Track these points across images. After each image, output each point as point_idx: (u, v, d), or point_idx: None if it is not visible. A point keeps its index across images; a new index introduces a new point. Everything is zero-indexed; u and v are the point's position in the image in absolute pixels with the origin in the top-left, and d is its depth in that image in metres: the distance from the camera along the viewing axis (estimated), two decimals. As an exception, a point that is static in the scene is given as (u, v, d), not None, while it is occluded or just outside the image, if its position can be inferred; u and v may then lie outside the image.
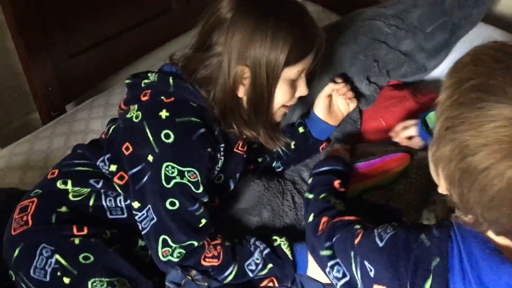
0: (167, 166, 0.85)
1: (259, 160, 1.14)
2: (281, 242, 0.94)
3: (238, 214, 1.05)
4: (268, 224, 1.03)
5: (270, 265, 0.92)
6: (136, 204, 0.89)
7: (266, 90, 0.90)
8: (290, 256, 0.92)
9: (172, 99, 0.89)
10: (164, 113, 0.86)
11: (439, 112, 0.61)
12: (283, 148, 1.12)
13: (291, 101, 0.97)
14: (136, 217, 0.89)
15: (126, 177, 0.90)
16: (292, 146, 1.11)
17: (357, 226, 0.78)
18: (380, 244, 0.70)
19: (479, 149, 0.55)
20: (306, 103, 1.17)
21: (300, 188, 1.10)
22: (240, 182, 1.06)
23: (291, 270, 0.93)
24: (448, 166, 0.59)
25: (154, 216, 0.87)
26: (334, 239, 0.80)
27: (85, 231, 0.88)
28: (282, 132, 1.13)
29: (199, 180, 0.88)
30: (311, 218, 0.88)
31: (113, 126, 0.96)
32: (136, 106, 0.90)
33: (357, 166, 0.99)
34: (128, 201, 0.93)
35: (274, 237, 0.96)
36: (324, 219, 0.85)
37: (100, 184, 0.93)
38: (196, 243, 0.88)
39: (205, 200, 0.90)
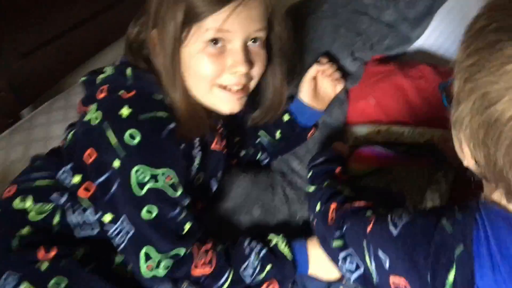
0: (137, 171, 0.75)
1: (242, 153, 1.04)
2: (278, 241, 0.86)
3: (226, 214, 0.96)
4: (260, 223, 0.95)
5: (268, 267, 0.84)
6: (107, 217, 0.78)
7: (169, 56, 0.78)
8: (289, 255, 0.85)
9: (133, 92, 0.79)
10: (125, 111, 0.76)
11: (456, 70, 0.56)
12: (268, 138, 1.03)
13: (226, 78, 0.80)
14: (109, 232, 0.79)
15: (93, 188, 0.80)
16: (278, 136, 1.02)
17: (369, 213, 0.72)
18: (395, 232, 0.64)
19: (501, 95, 0.48)
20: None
21: (291, 179, 1.01)
22: (224, 179, 0.97)
23: (291, 270, 0.85)
24: (470, 125, 0.53)
25: (131, 228, 0.77)
26: (344, 227, 0.74)
27: (54, 253, 0.79)
28: (260, 128, 1.04)
29: (176, 182, 0.78)
30: (318, 207, 0.82)
31: (72, 132, 0.85)
32: (94, 105, 0.80)
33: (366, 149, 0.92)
34: (98, 215, 0.83)
35: (270, 237, 0.88)
36: (333, 205, 0.79)
37: (64, 198, 0.83)
38: (183, 250, 0.79)
39: (186, 202, 0.81)
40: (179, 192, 0.79)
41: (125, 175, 0.75)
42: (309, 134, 1.04)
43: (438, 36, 1.19)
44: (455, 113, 0.55)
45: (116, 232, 0.78)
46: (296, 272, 0.86)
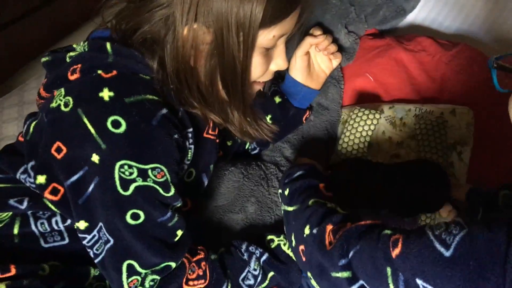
0: (121, 166, 0.61)
1: (229, 143, 0.91)
2: (280, 242, 0.75)
3: (216, 213, 0.82)
4: (256, 220, 0.82)
5: (271, 274, 0.73)
6: (82, 224, 0.64)
7: (238, 60, 0.66)
8: (294, 258, 0.73)
9: (114, 72, 0.63)
10: (106, 93, 0.61)
11: None
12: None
13: (265, 76, 0.74)
14: (85, 242, 0.65)
15: (62, 190, 0.65)
16: (269, 121, 0.90)
17: (388, 231, 0.56)
18: (447, 253, 0.49)
19: None
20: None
21: (286, 169, 0.89)
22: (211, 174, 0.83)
23: (297, 275, 0.74)
24: None
25: (109, 237, 0.63)
26: (351, 253, 0.58)
27: (13, 272, 0.64)
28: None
29: (169, 179, 0.65)
30: (307, 231, 0.65)
31: (34, 123, 0.70)
32: (62, 89, 0.65)
33: None
34: (69, 221, 0.68)
35: (270, 237, 0.76)
36: (329, 227, 0.62)
37: (25, 203, 0.68)
38: (173, 264, 0.66)
39: (178, 204, 0.68)
40: (171, 192, 0.66)
41: (106, 172, 0.61)
42: (304, 117, 0.92)
43: (431, 9, 1.10)
44: None
45: (92, 241, 0.64)
46: (302, 275, 0.74)
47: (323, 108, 0.94)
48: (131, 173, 0.61)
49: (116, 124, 0.60)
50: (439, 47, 0.96)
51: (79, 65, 0.65)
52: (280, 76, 0.91)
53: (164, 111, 0.64)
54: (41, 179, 0.66)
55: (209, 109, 0.71)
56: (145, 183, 0.62)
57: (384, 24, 1.03)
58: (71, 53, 0.67)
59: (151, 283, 0.65)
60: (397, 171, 0.81)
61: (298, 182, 0.72)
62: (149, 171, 0.62)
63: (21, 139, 0.74)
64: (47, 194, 0.66)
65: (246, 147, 0.94)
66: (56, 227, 0.68)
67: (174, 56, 0.66)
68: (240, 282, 0.71)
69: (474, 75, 0.91)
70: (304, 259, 0.64)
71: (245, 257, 0.72)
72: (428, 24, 1.10)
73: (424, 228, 0.53)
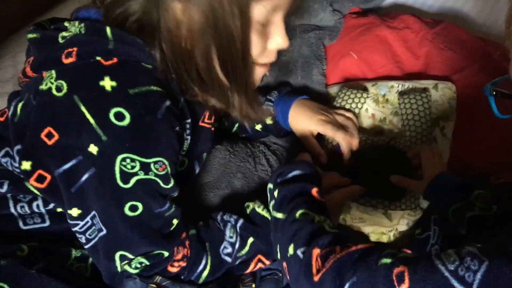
0: (123, 159, 0.59)
1: (215, 125, 0.90)
2: (255, 205, 0.74)
3: (202, 191, 0.82)
4: (242, 195, 0.82)
5: (250, 240, 0.71)
6: (75, 212, 0.62)
7: (237, 36, 0.60)
8: (270, 217, 0.71)
9: (115, 60, 0.60)
10: (108, 83, 0.58)
11: None
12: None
13: (265, 56, 0.67)
14: (77, 228, 0.63)
15: (49, 177, 0.63)
16: (258, 129, 0.90)
17: (387, 260, 0.49)
18: None
19: None
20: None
21: (275, 150, 0.89)
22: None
23: None
24: None
25: (103, 227, 0.62)
26: (346, 287, 0.50)
27: None
28: None
29: (169, 172, 0.64)
30: (291, 250, 0.58)
31: (21, 104, 0.65)
32: (53, 72, 0.61)
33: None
34: (52, 205, 0.67)
35: (246, 203, 0.75)
36: (315, 251, 0.55)
37: (5, 187, 0.66)
38: (166, 253, 0.65)
39: (175, 194, 0.67)
40: (171, 184, 0.65)
41: (105, 164, 0.59)
42: None
43: (414, -13, 1.10)
44: None
45: (85, 227, 0.63)
46: None
47: (309, 91, 0.93)
48: (133, 167, 0.59)
49: (120, 117, 0.58)
50: (422, 24, 0.96)
51: (75, 48, 0.61)
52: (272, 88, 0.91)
53: (168, 103, 0.61)
54: (26, 165, 0.63)
55: (210, 94, 0.68)
56: (147, 177, 0.61)
57: (368, 2, 1.03)
58: (64, 33, 0.63)
59: (138, 265, 0.64)
60: (366, 156, 0.82)
61: (290, 186, 0.66)
62: (152, 165, 0.61)
63: (1, 119, 0.71)
64: (32, 181, 0.63)
65: (233, 130, 0.93)
66: (37, 210, 0.67)
67: (170, 40, 0.62)
68: (220, 252, 0.70)
69: (458, 52, 0.91)
70: (288, 276, 0.59)
71: (221, 226, 0.71)
72: (411, 3, 1.10)
73: (432, 259, 0.46)
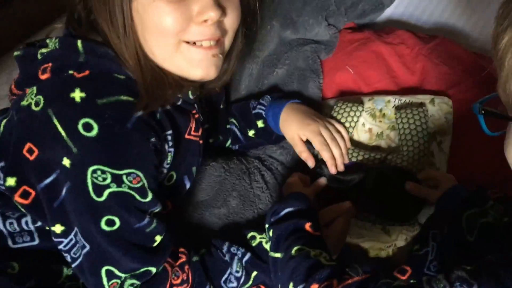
0: (94, 171, 0.58)
1: (210, 141, 0.90)
2: (262, 240, 0.72)
3: (198, 209, 0.81)
4: (239, 215, 0.81)
5: (254, 273, 0.71)
6: (58, 228, 0.61)
7: (116, 10, 0.60)
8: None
9: (87, 72, 0.61)
10: (77, 94, 0.58)
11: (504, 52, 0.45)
12: (240, 132, 0.90)
13: (194, 32, 0.63)
14: (61, 246, 0.62)
15: (33, 193, 0.62)
16: (251, 135, 0.89)
17: None
18: None
19: None
20: (253, 65, 0.95)
21: (270, 164, 0.88)
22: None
23: None
24: None
25: (85, 243, 0.61)
26: None
27: None
28: (235, 110, 0.89)
29: (145, 185, 0.62)
30: None
31: (5, 121, 0.66)
32: (34, 88, 0.62)
33: None
34: (40, 222, 0.66)
35: (251, 233, 0.74)
36: (314, 287, 0.57)
37: None
38: (154, 269, 0.64)
39: (157, 209, 0.65)
40: (148, 198, 0.63)
41: (78, 177, 0.58)
42: None
43: (409, 3, 1.11)
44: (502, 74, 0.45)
45: (69, 245, 0.62)
46: None
47: (303, 100, 0.93)
48: (104, 179, 0.59)
49: (88, 127, 0.58)
50: (417, 40, 0.96)
51: (50, 64, 0.62)
52: (263, 93, 0.91)
53: (140, 113, 0.61)
54: (11, 181, 0.62)
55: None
56: (120, 189, 0.60)
57: (363, 17, 1.03)
58: (43, 50, 0.64)
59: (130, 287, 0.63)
60: (374, 175, 0.82)
61: (284, 225, 0.67)
62: (124, 177, 0.60)
63: None
64: (17, 197, 0.63)
65: (227, 145, 0.93)
66: (26, 227, 0.66)
67: (105, 24, 0.62)
68: (222, 284, 0.69)
69: (453, 66, 0.91)
70: None
71: (227, 258, 0.70)
72: (406, 19, 1.11)
73: (423, 286, 0.49)
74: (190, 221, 0.80)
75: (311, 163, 0.82)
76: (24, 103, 0.61)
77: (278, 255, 0.65)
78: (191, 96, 0.71)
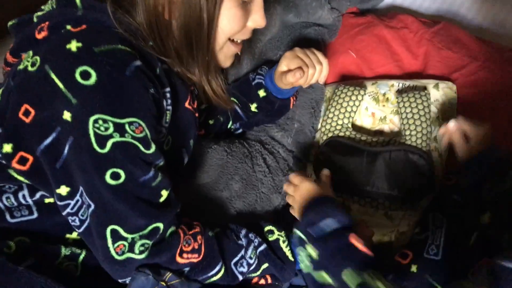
0: (95, 121, 0.56)
1: (211, 122, 0.88)
2: (280, 237, 0.72)
3: (200, 192, 0.79)
4: (241, 199, 0.80)
5: (265, 266, 0.70)
6: (63, 190, 0.59)
7: (204, 8, 0.62)
8: (291, 257, 0.71)
9: (84, 26, 0.59)
10: (74, 45, 0.56)
11: None
12: (241, 109, 0.88)
13: (242, 33, 0.70)
14: (68, 209, 0.60)
15: (31, 159, 0.60)
16: (254, 109, 0.87)
17: None
18: None
19: None
20: (255, 48, 0.94)
21: (271, 148, 0.87)
22: (193, 152, 0.80)
23: (291, 273, 0.72)
24: None
25: (90, 202, 0.59)
26: None
27: None
28: (234, 88, 0.88)
29: (148, 135, 0.60)
30: None
31: (1, 90, 0.64)
32: (30, 52, 0.60)
33: None
34: (38, 195, 0.64)
35: (269, 227, 0.73)
36: None
37: None
38: (161, 225, 0.62)
39: (161, 163, 0.63)
40: (152, 149, 0.61)
41: (79, 129, 0.56)
42: (291, 104, 0.89)
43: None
44: None
45: (76, 207, 0.60)
46: (294, 275, 0.72)
47: (308, 86, 0.92)
48: (106, 128, 0.56)
49: (86, 75, 0.55)
50: (420, 24, 0.95)
51: (47, 23, 0.60)
52: (265, 63, 0.89)
53: (138, 63, 0.59)
54: (7, 147, 0.60)
55: (180, 64, 0.67)
56: (123, 139, 0.57)
57: (365, 2, 1.02)
58: (39, 13, 0.63)
59: (141, 248, 0.61)
60: (380, 155, 0.81)
61: (331, 244, 0.60)
62: (127, 126, 0.58)
63: None
64: (14, 164, 0.61)
65: (229, 126, 0.91)
66: (23, 201, 0.64)
67: (146, 10, 0.62)
68: (232, 266, 0.68)
69: (456, 51, 0.91)
70: None
71: (243, 242, 0.69)
72: (408, 5, 1.10)
73: None
74: (193, 203, 0.78)
75: (291, 77, 0.77)
76: (21, 67, 0.60)
77: (328, 278, 0.58)
78: None
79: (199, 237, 0.66)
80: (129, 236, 0.60)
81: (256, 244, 0.70)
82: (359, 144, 0.83)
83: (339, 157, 0.82)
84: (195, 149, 0.80)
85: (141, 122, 0.59)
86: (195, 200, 0.78)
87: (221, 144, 0.84)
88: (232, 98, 0.89)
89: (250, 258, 0.69)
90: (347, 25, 0.98)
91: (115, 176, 0.58)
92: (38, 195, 0.63)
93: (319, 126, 0.90)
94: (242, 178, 0.81)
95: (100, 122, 0.56)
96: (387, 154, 0.80)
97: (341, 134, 0.86)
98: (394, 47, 0.94)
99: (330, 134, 0.87)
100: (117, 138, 0.57)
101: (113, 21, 0.60)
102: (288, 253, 0.71)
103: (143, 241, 0.61)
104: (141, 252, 0.61)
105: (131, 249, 0.60)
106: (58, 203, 0.61)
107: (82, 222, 0.61)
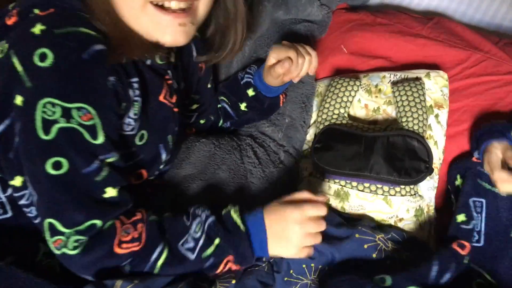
0: (44, 105, 0.54)
1: (202, 122, 0.88)
2: (232, 209, 0.65)
3: (184, 182, 0.77)
4: (229, 186, 0.77)
5: (217, 241, 0.63)
6: (18, 181, 0.58)
7: None
8: (242, 226, 0.64)
9: (51, 10, 0.57)
10: (38, 28, 0.55)
11: None
12: (231, 108, 0.88)
13: None
14: (23, 200, 0.59)
15: None
16: (243, 109, 0.86)
17: None
18: None
19: None
20: (245, 46, 0.94)
21: (262, 142, 0.86)
22: (180, 147, 0.80)
23: (249, 250, 0.64)
24: None
25: (33, 191, 0.56)
26: None
27: None
28: (224, 87, 0.87)
29: (97, 125, 0.57)
30: None
31: None
32: (3, 42, 0.60)
33: None
34: (10, 191, 0.62)
35: (230, 206, 0.67)
36: None
37: None
38: (99, 223, 0.58)
39: (111, 159, 0.60)
40: (100, 140, 0.58)
41: (28, 114, 0.54)
42: (280, 102, 0.88)
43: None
44: None
45: (30, 200, 0.58)
46: (253, 252, 0.64)
47: (298, 83, 0.92)
48: (53, 113, 0.54)
49: (43, 57, 0.54)
50: (414, 19, 0.95)
51: (17, 9, 0.60)
52: (255, 61, 0.89)
53: (100, 47, 0.56)
54: None
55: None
56: (69, 125, 0.55)
57: (354, -1, 1.03)
58: (14, 4, 0.62)
59: (75, 244, 0.57)
60: (378, 140, 0.80)
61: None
62: (74, 111, 0.55)
63: None
64: None
65: (219, 125, 0.91)
66: None
67: None
68: (179, 246, 0.62)
69: (457, 43, 0.90)
70: None
71: (188, 221, 0.64)
72: (398, 2, 1.11)
73: None
74: (176, 193, 0.76)
75: (280, 68, 0.75)
76: None
77: None
78: (159, 62, 0.68)
79: (139, 225, 0.61)
80: (66, 231, 0.57)
81: (203, 218, 0.64)
82: (356, 130, 0.82)
83: (336, 143, 0.81)
84: (182, 144, 0.79)
85: (91, 109, 0.56)
86: (177, 190, 0.76)
87: (209, 138, 0.83)
88: (222, 97, 0.88)
89: (195, 232, 0.63)
90: (339, 22, 0.98)
91: (57, 165, 0.55)
92: (9, 191, 0.61)
93: (315, 117, 0.89)
94: (230, 168, 0.79)
95: (49, 106, 0.54)
96: (385, 138, 0.78)
97: (338, 122, 0.85)
98: (387, 41, 0.93)
99: (326, 123, 0.86)
100: (62, 123, 0.55)
101: (82, 6, 0.59)
102: (239, 221, 0.64)
103: (78, 237, 0.57)
104: (74, 248, 0.57)
105: (66, 245, 0.57)
106: (14, 194, 0.59)
107: (35, 217, 0.59)
